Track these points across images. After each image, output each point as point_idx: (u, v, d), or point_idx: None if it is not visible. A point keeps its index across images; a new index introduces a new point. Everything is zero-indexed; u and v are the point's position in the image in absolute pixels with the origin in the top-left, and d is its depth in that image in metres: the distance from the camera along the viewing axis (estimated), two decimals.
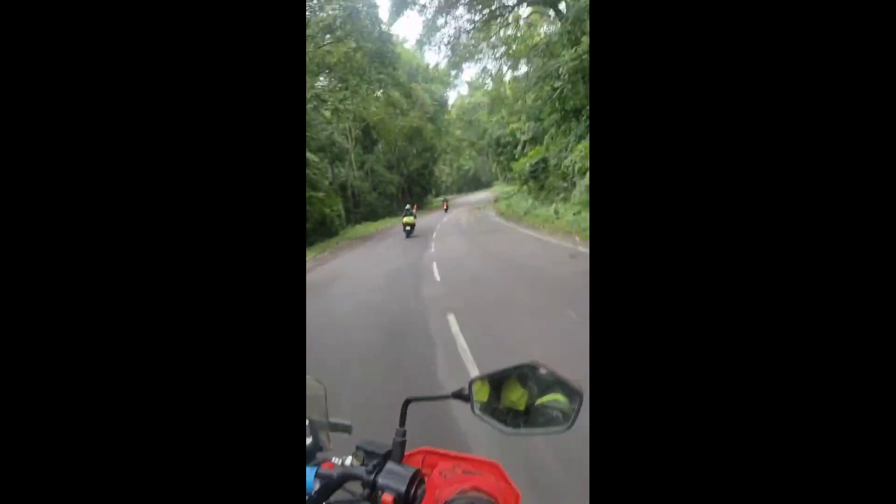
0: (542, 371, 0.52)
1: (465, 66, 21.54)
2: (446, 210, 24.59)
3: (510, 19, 17.62)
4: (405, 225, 13.43)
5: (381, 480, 0.49)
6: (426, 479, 0.49)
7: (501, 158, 30.02)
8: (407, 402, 0.55)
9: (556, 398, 0.52)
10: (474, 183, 57.35)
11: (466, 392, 0.53)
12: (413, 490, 0.48)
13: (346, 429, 0.70)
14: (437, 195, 44.04)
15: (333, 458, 0.57)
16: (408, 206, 14.47)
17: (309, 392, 0.66)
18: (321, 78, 16.42)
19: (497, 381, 0.54)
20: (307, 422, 0.63)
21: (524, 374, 0.53)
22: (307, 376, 0.65)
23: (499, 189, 40.63)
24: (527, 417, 0.53)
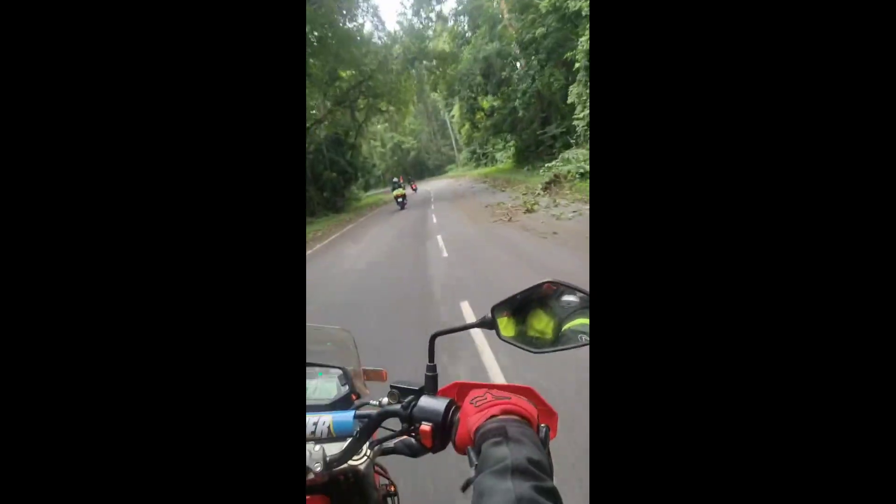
0: (563, 289, 0.53)
1: None
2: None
3: None
4: (397, 197, 14.91)
5: (417, 413, 0.50)
6: (461, 408, 0.49)
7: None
8: (434, 337, 0.55)
9: (582, 322, 0.52)
10: (417, 168, 45.54)
11: (490, 319, 0.54)
12: (449, 417, 0.49)
13: (380, 375, 0.71)
14: (367, 188, 33.05)
15: (371, 401, 0.59)
16: (395, 180, 16.10)
17: (340, 341, 0.74)
18: None
19: (520, 308, 0.55)
20: (341, 371, 0.66)
21: (545, 296, 0.54)
22: (336, 327, 0.80)
23: (465, 173, 29.92)
24: (554, 341, 0.54)
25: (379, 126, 38.83)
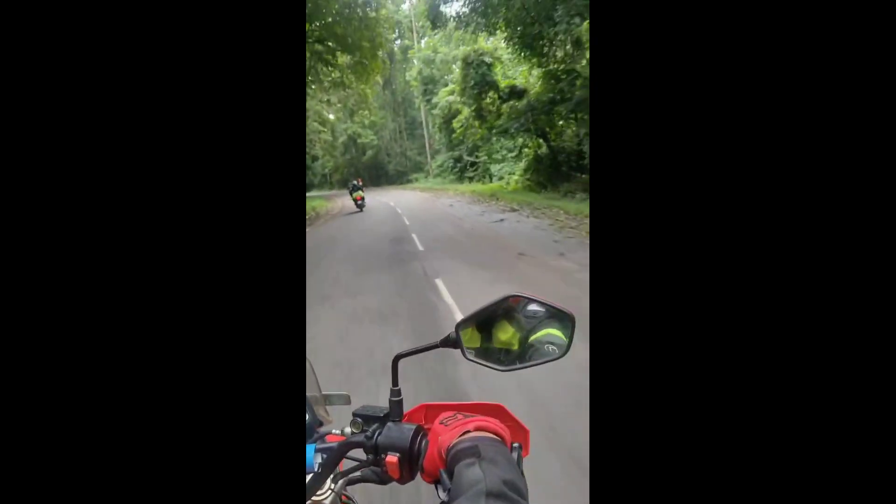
0: (527, 301, 0.52)
1: None
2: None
3: None
4: (356, 200, 14.09)
5: (382, 443, 0.49)
6: (429, 431, 0.48)
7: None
8: (396, 359, 0.53)
9: (549, 332, 0.52)
10: (372, 172, 36.42)
11: (454, 337, 0.51)
12: (417, 445, 0.47)
13: (344, 399, 0.69)
14: (307, 187, 26.08)
15: (334, 431, 0.58)
16: (354, 182, 14.89)
17: None
18: None
19: (484, 322, 0.53)
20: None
21: (510, 309, 0.52)
22: None
23: (444, 186, 21.52)
24: (521, 354, 0.52)
25: (331, 115, 29.59)
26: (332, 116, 30.46)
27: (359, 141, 36.32)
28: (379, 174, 37.10)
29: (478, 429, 0.43)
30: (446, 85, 21.15)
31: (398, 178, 34.48)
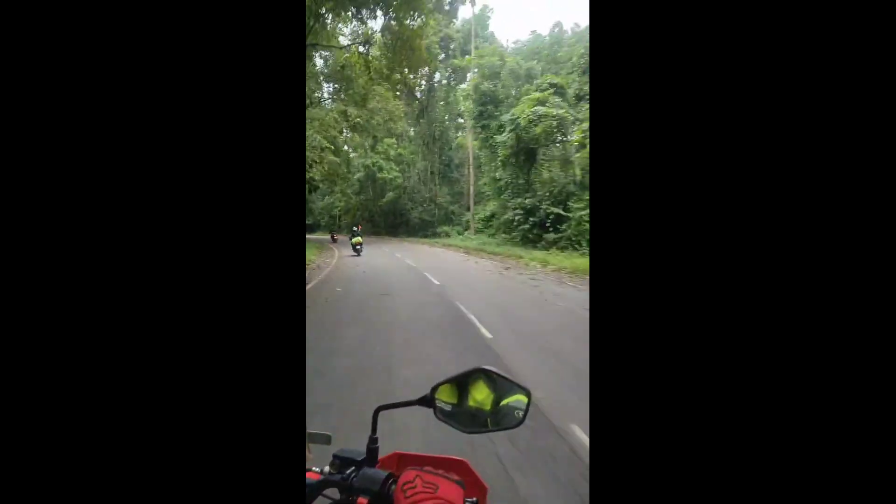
0: (494, 374, 0.56)
1: None
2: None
3: None
4: (354, 245, 14.54)
5: (356, 484, 0.53)
6: (398, 479, 0.51)
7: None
8: (377, 412, 0.58)
9: (519, 398, 0.56)
10: (389, 218, 29.03)
11: (429, 398, 0.56)
12: (387, 490, 0.51)
13: (326, 439, 0.72)
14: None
15: (314, 468, 0.60)
16: (355, 228, 15.43)
17: None
18: None
19: (460, 384, 0.57)
20: None
21: (478, 378, 0.57)
22: None
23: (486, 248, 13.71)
24: (490, 417, 0.56)
25: (346, 146, 22.87)
26: (347, 147, 23.83)
27: (378, 176, 29.17)
28: (397, 222, 29.61)
29: None
30: (516, 103, 14.10)
31: (421, 229, 26.88)
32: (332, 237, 24.63)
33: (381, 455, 0.58)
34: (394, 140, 28.23)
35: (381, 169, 28.82)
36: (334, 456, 0.57)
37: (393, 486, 0.51)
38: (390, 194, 29.80)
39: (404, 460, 0.57)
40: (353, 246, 14.54)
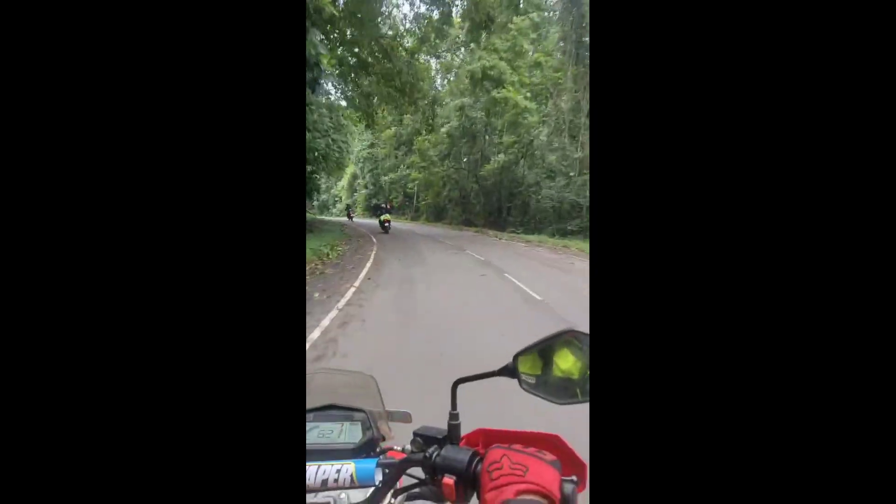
0: (579, 336, 0.52)
1: None
2: None
3: None
4: (382, 222, 14.94)
5: (440, 464, 0.51)
6: (485, 457, 0.49)
7: None
8: (455, 385, 0.55)
9: None
10: (501, 205, 16.62)
11: (512, 367, 0.53)
12: (473, 469, 0.49)
13: (405, 417, 0.71)
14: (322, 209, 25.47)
15: (395, 447, 0.60)
16: (383, 205, 16.15)
17: (363, 385, 0.73)
18: None
19: (544, 352, 0.54)
20: (365, 415, 0.66)
21: (569, 342, 0.53)
22: (360, 372, 0.77)
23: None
24: (581, 386, 0.52)
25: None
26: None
27: (488, 118, 16.74)
28: (510, 206, 17.08)
29: (520, 493, 0.42)
30: None
31: (558, 220, 14.07)
32: (349, 214, 23.96)
33: (463, 432, 0.55)
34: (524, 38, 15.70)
35: (497, 84, 15.91)
36: (415, 434, 0.54)
37: (479, 466, 0.48)
38: (500, 158, 17.36)
39: (490, 437, 0.53)
40: (381, 223, 14.79)
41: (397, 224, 20.71)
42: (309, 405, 0.67)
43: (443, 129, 19.12)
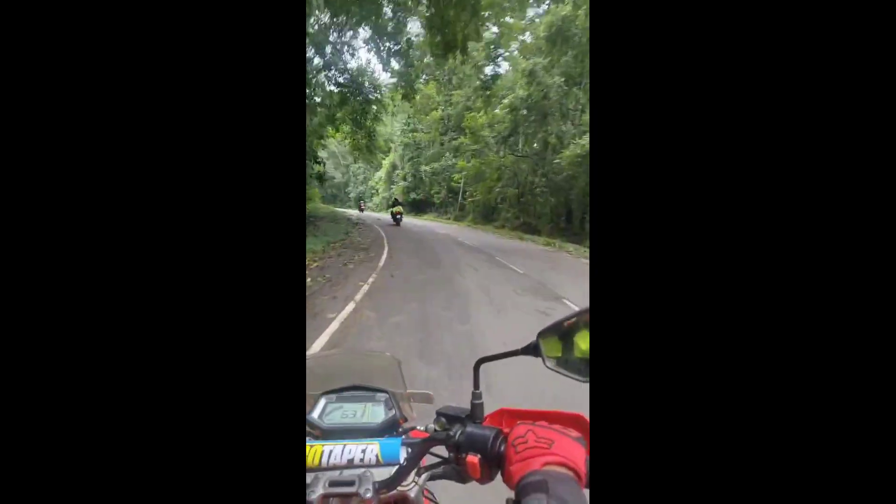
0: None
1: None
2: None
3: None
4: (393, 214, 15.14)
5: (463, 442, 0.51)
6: (508, 436, 0.49)
7: None
8: (478, 364, 0.56)
9: None
10: (578, 204, 11.65)
11: (535, 345, 0.53)
12: (497, 448, 0.49)
13: (427, 398, 0.72)
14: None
15: (417, 426, 0.60)
16: (395, 198, 17.69)
17: (386, 366, 0.74)
18: None
19: (565, 332, 0.53)
20: (387, 396, 0.66)
21: (583, 325, 0.52)
22: (382, 353, 0.77)
23: None
24: None
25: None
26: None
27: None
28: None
29: (547, 464, 0.42)
30: None
31: None
32: (360, 207, 24.63)
33: (486, 412, 0.55)
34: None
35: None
36: (438, 413, 0.55)
37: (503, 444, 0.48)
38: (581, 143, 12.37)
39: (512, 416, 0.53)
40: (393, 215, 15.04)
41: (433, 225, 16.65)
42: (332, 385, 0.67)
43: (504, 102, 14.38)
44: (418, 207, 24.99)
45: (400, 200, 16.44)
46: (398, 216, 14.78)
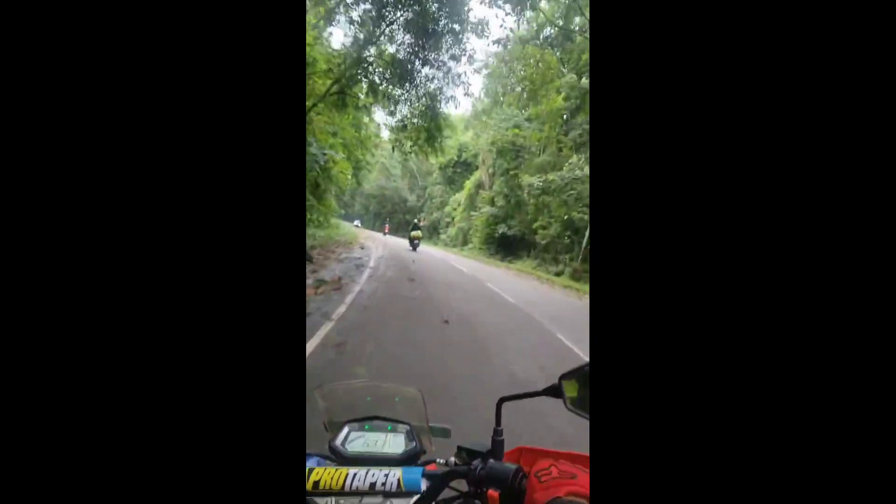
0: None
1: None
2: None
3: None
4: (411, 239, 14.60)
5: (484, 477, 0.52)
6: (528, 474, 0.50)
7: None
8: (500, 402, 0.58)
9: None
10: None
11: (557, 387, 0.56)
12: (518, 484, 0.50)
13: (445, 432, 0.73)
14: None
15: (437, 459, 0.61)
16: (415, 221, 16.08)
17: (409, 399, 0.74)
18: None
19: (585, 375, 0.56)
20: (408, 428, 0.68)
21: None
22: (409, 388, 0.75)
23: None
24: None
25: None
26: None
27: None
28: None
29: (571, 493, 0.43)
30: None
31: None
32: (385, 230, 22.78)
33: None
34: None
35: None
36: (459, 447, 0.57)
37: (524, 480, 0.50)
38: None
39: (530, 455, 0.55)
40: (411, 240, 14.70)
41: (531, 294, 7.57)
42: (357, 414, 0.68)
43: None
44: (509, 248, 15.95)
45: (420, 224, 15.53)
46: (416, 241, 14.29)
